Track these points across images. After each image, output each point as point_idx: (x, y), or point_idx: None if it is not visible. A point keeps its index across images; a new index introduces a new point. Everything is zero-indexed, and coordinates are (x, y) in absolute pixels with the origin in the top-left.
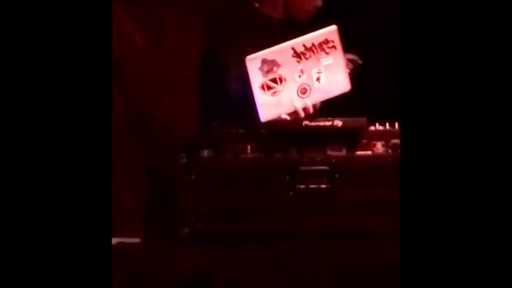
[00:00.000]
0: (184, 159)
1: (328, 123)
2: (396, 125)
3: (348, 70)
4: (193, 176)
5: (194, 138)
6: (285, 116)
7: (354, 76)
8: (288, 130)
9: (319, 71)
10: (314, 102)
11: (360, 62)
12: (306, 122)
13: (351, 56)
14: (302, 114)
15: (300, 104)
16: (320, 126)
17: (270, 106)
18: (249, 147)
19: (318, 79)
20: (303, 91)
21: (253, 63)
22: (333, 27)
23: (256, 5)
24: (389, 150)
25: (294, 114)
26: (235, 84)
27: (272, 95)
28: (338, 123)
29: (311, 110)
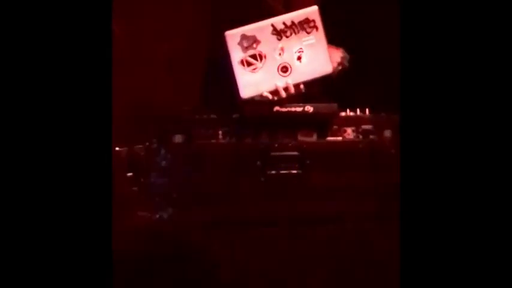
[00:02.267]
0: (156, 144)
1: (299, 109)
2: (367, 111)
3: (340, 67)
4: (164, 162)
5: (166, 123)
6: (266, 94)
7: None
8: (259, 116)
9: (300, 50)
10: (296, 82)
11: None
12: (277, 108)
13: (345, 55)
14: (283, 93)
15: (281, 82)
16: (291, 111)
17: (250, 83)
18: (220, 132)
19: (299, 58)
20: (284, 70)
21: (233, 38)
22: (314, 7)
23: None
24: (360, 136)
25: (276, 93)
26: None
27: (252, 71)
28: (309, 108)
29: (292, 90)
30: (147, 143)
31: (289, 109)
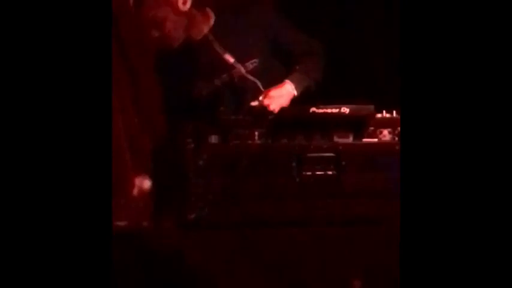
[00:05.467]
0: (192, 145)
1: (335, 110)
2: None
3: None
4: (201, 162)
5: (202, 124)
6: None
7: None
8: (295, 117)
9: None
10: None
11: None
12: (313, 109)
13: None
14: None
15: None
16: (327, 113)
17: None
18: (256, 133)
19: None
20: None
21: None
22: None
23: None
24: (396, 138)
25: None
26: None
27: None
28: (345, 110)
29: None
30: (184, 143)
31: (325, 110)
